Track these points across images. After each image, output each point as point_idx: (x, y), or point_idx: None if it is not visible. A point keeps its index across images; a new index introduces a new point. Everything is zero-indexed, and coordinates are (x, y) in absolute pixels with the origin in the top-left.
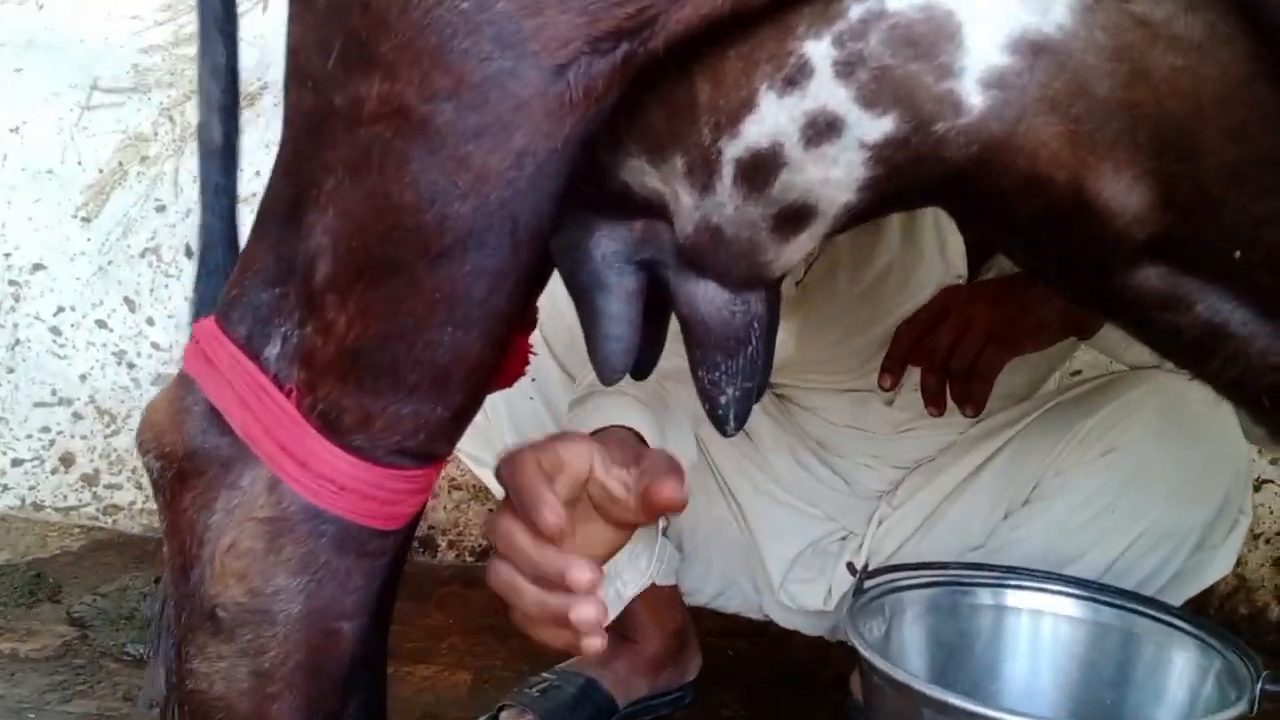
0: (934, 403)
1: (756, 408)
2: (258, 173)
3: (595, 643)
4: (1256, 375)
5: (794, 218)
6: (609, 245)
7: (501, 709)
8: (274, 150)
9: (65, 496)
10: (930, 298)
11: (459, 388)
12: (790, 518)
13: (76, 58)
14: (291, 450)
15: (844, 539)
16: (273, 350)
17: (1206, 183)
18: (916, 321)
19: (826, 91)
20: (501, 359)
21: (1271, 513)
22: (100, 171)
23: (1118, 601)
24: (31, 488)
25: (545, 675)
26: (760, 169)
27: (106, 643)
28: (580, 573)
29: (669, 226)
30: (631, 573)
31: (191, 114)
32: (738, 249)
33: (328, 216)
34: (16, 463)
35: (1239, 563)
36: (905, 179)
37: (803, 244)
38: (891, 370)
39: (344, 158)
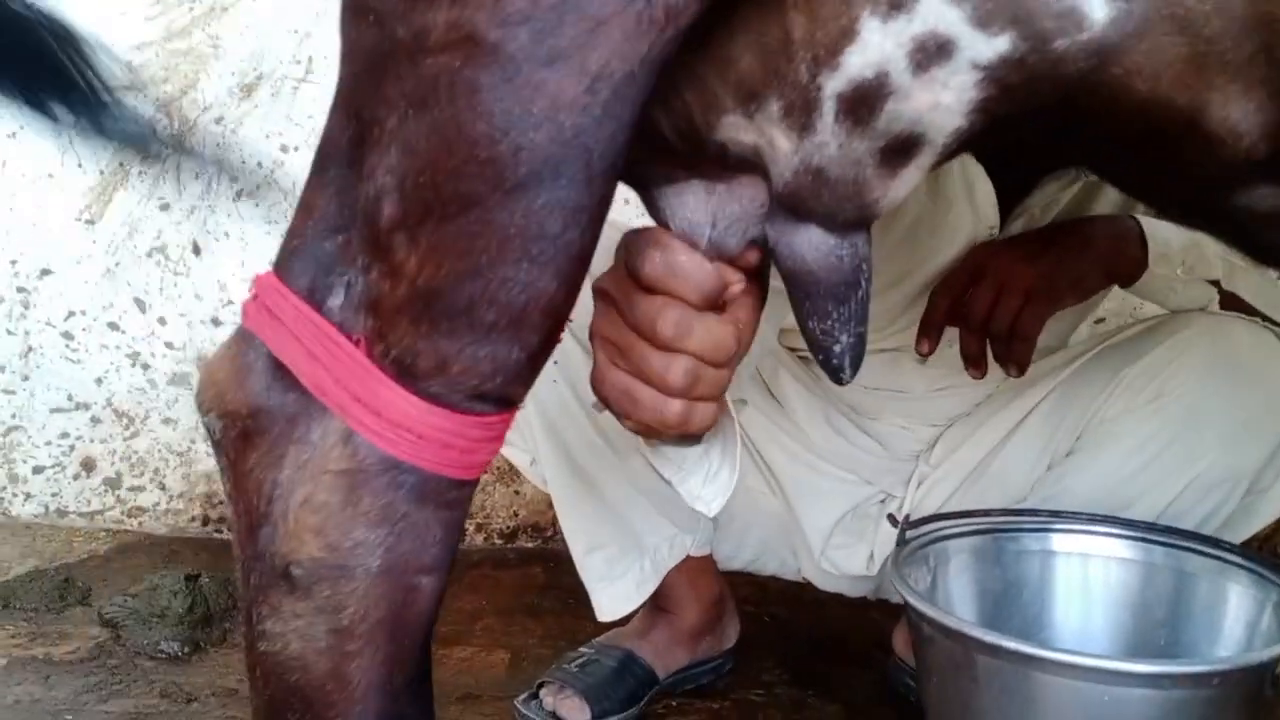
0: (975, 365)
1: (787, 375)
2: (260, 164)
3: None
4: None
5: (901, 149)
6: (699, 207)
7: (541, 686)
8: (274, 141)
9: (89, 501)
10: (960, 249)
11: (536, 327)
12: (827, 484)
13: None
14: (365, 400)
15: (883, 502)
16: (336, 300)
17: None
18: (951, 283)
19: (935, 13)
20: (574, 300)
21: None
22: (101, 173)
23: (1167, 540)
24: (54, 494)
25: (583, 650)
26: (864, 101)
27: (140, 642)
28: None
29: (762, 182)
30: (713, 490)
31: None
32: (843, 190)
33: (391, 155)
34: (38, 470)
35: None
36: (1018, 99)
37: (910, 176)
38: (929, 335)
39: (408, 91)
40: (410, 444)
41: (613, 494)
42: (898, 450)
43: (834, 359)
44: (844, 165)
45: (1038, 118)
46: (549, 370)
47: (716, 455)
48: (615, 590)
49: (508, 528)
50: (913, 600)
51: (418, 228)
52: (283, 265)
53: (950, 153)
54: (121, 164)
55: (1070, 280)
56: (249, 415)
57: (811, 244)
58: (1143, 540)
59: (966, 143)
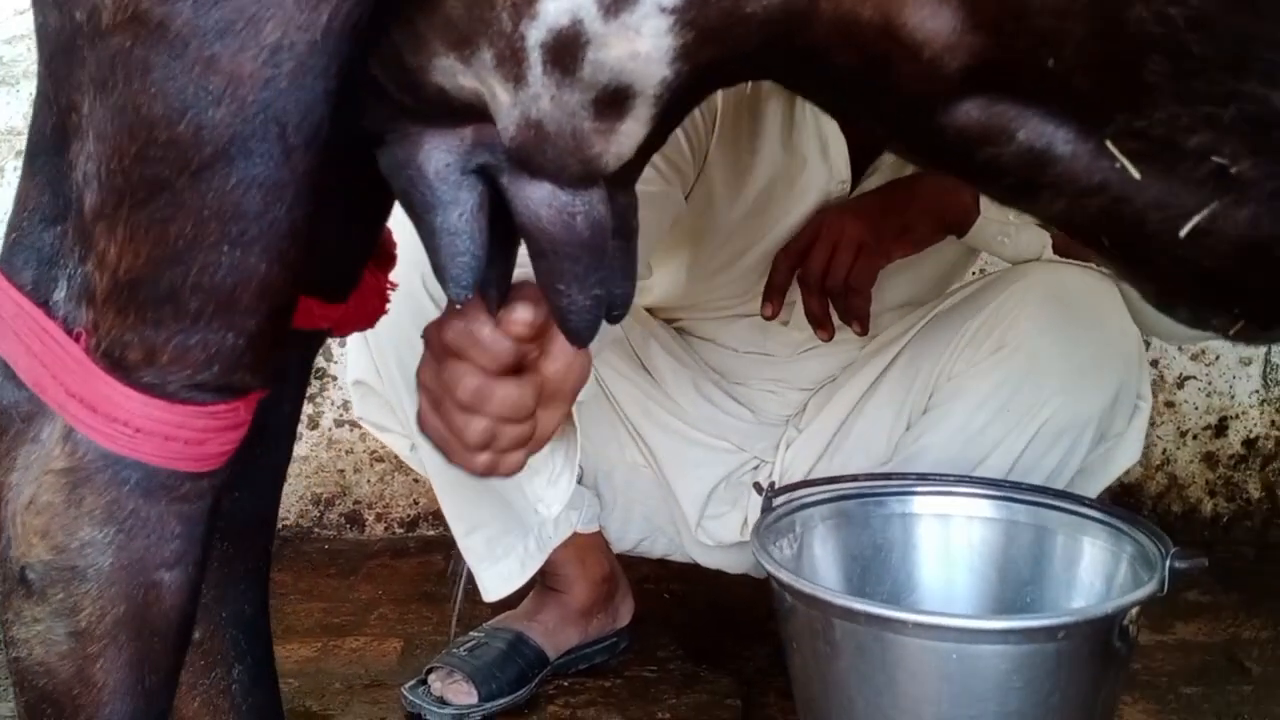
0: (821, 326)
1: (656, 345)
2: None
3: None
4: (1084, 201)
5: (613, 102)
6: (440, 158)
7: (430, 671)
8: None
9: None
10: (813, 205)
11: (249, 312)
12: (700, 454)
13: None
14: (80, 395)
15: (756, 468)
16: (59, 294)
17: None
18: (792, 248)
19: None
20: (295, 279)
21: (1196, 409)
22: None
23: (1028, 498)
24: None
25: (473, 634)
26: (567, 51)
27: None
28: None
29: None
30: (554, 493)
31: None
32: (563, 144)
33: (88, 142)
34: None
35: (1168, 461)
36: (718, 46)
37: (631, 131)
38: (772, 299)
39: (93, 75)
40: (128, 438)
41: None
42: (767, 415)
43: (569, 320)
44: (560, 119)
45: (757, 66)
46: (413, 341)
47: (560, 460)
48: (499, 570)
49: (408, 516)
50: (771, 568)
51: (114, 215)
52: (5, 260)
53: (669, 105)
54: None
55: (898, 231)
56: None
57: (543, 200)
58: (1004, 499)
59: (685, 93)
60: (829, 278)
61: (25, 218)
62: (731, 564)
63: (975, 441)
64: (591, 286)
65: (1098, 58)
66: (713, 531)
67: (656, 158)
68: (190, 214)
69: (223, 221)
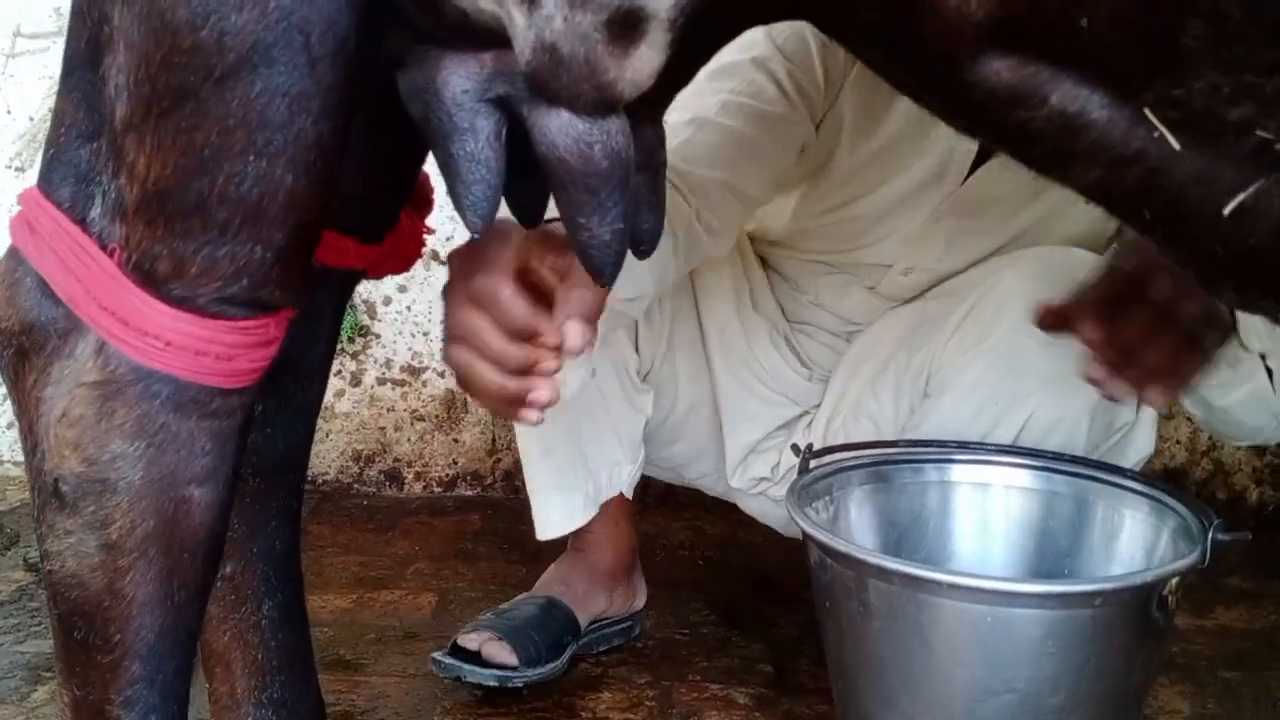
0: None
1: (736, 294)
2: None
3: (532, 416)
4: (1121, 172)
5: (626, 25)
6: (459, 83)
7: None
8: None
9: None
10: (937, 163)
11: (276, 224)
12: (758, 407)
13: None
14: (113, 309)
15: (800, 418)
16: (95, 210)
17: None
18: (1101, 298)
19: None
20: (321, 194)
21: None
22: (31, 119)
23: (1068, 469)
24: None
25: (502, 605)
26: None
27: None
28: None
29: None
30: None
31: None
32: (577, 69)
33: (119, 53)
34: None
35: (1214, 447)
36: None
37: (646, 58)
38: (1047, 319)
39: None
40: (159, 352)
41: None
42: (820, 370)
43: (591, 255)
44: (573, 41)
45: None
46: None
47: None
48: (566, 501)
49: (446, 476)
50: (806, 527)
51: (142, 125)
52: (44, 177)
53: (685, 31)
54: (50, 110)
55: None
56: (22, 332)
57: (561, 129)
58: (1044, 469)
59: (703, 21)
60: (1151, 356)
61: (62, 134)
62: (781, 523)
63: (967, 430)
64: (612, 220)
65: (1133, 19)
66: (750, 467)
67: (785, 81)
68: (215, 122)
69: (248, 131)
